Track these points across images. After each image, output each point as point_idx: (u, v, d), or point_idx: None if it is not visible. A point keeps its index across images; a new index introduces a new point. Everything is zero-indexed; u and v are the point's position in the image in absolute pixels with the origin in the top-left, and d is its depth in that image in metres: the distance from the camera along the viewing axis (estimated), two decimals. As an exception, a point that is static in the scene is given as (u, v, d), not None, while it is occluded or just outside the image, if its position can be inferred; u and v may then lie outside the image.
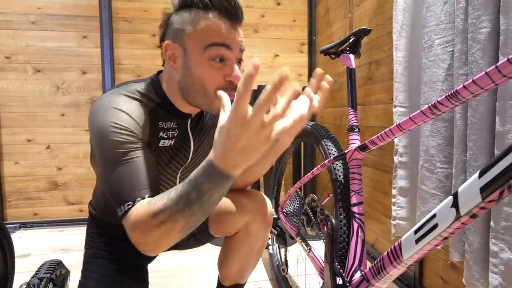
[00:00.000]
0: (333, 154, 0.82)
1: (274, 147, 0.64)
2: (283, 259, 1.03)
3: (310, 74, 2.16)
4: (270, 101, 0.40)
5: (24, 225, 1.85)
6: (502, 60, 0.41)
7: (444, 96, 0.50)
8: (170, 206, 0.48)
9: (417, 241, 0.50)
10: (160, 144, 0.67)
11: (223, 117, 0.46)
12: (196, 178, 0.47)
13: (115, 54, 1.91)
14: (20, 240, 1.69)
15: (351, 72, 0.85)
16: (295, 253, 1.40)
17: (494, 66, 0.42)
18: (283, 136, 0.44)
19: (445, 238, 0.48)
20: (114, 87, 0.65)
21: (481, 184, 0.40)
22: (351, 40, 0.86)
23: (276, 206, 1.27)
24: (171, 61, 0.61)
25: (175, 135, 0.69)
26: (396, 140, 1.07)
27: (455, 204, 0.44)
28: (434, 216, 0.47)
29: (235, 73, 0.58)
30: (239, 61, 0.61)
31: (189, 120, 0.70)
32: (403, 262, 0.53)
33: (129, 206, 0.52)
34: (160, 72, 0.68)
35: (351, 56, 0.87)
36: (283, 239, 1.04)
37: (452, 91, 0.49)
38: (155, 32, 1.95)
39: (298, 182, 0.92)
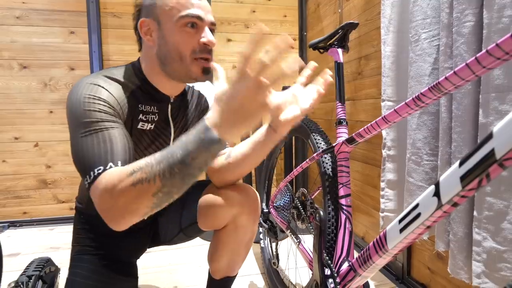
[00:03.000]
0: (322, 148, 0.83)
1: (273, 137, 0.66)
2: (274, 253, 1.04)
3: (300, 70, 2.16)
4: (274, 62, 0.42)
5: (13, 224, 1.82)
6: (482, 51, 0.42)
7: (427, 88, 0.51)
8: (151, 164, 0.46)
9: (401, 230, 0.51)
10: (139, 126, 0.68)
11: (218, 86, 0.49)
12: (185, 139, 0.47)
13: (104, 50, 1.88)
14: (9, 239, 1.66)
15: (339, 66, 0.85)
16: (286, 247, 1.41)
17: (474, 58, 0.43)
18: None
19: (428, 227, 0.49)
20: (95, 73, 0.67)
21: (461, 173, 0.41)
22: (339, 34, 0.86)
23: (267, 201, 1.27)
24: (148, 35, 0.65)
25: (155, 119, 0.70)
26: (384, 133, 1.08)
27: (436, 193, 0.45)
28: (417, 205, 0.48)
29: (208, 37, 0.62)
30: (213, 30, 0.66)
31: (169, 105, 0.72)
32: (388, 251, 0.54)
33: (99, 171, 0.49)
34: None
35: (339, 50, 0.88)
36: (274, 233, 1.05)
37: (435, 83, 0.50)
38: (144, 28, 1.93)
39: (288, 176, 0.93)
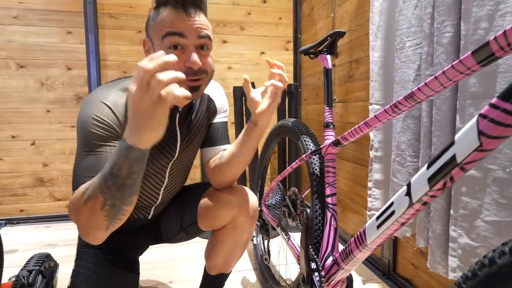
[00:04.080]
0: (311, 149, 0.88)
1: (255, 130, 0.71)
2: (266, 249, 1.08)
3: (295, 72, 2.21)
4: (157, 65, 0.44)
5: (10, 222, 1.84)
6: (448, 66, 0.47)
7: (403, 97, 0.56)
8: (93, 182, 0.52)
9: (378, 226, 0.56)
10: None
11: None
12: (114, 152, 0.51)
13: (101, 50, 1.90)
14: (7, 236, 1.68)
15: (327, 72, 0.90)
16: (277, 244, 1.46)
17: (441, 71, 0.48)
18: (170, 97, 0.45)
19: (403, 223, 0.54)
20: (110, 81, 0.70)
21: (429, 174, 0.46)
22: (328, 41, 0.91)
23: (260, 199, 1.32)
24: (147, 53, 0.68)
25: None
26: (371, 135, 1.13)
27: (408, 193, 0.50)
28: (392, 204, 0.53)
29: (192, 59, 0.62)
30: (202, 47, 0.66)
31: (177, 115, 0.75)
32: (367, 246, 0.59)
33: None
34: None
35: (328, 56, 0.92)
36: (266, 230, 1.09)
37: (409, 92, 0.54)
38: (141, 28, 1.95)
39: (279, 176, 0.98)
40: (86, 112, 0.61)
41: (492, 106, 0.38)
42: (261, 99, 0.71)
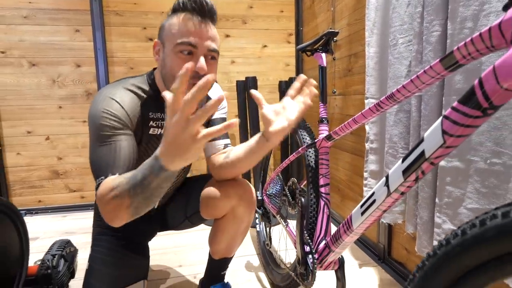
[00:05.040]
0: (307, 143, 0.94)
1: (265, 144, 0.71)
2: (267, 235, 1.16)
3: (297, 65, 2.25)
4: (195, 99, 0.45)
5: (30, 212, 1.97)
6: (421, 71, 0.52)
7: (384, 97, 0.61)
8: (122, 184, 0.56)
9: (362, 213, 0.62)
10: (150, 132, 0.78)
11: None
12: (145, 163, 0.54)
13: (108, 47, 1.97)
14: (28, 225, 1.78)
15: (322, 70, 0.95)
16: (278, 231, 1.54)
17: (415, 75, 0.53)
18: (206, 139, 0.48)
19: (384, 211, 0.61)
20: (116, 81, 0.76)
21: (403, 167, 0.52)
22: (322, 40, 0.95)
23: (262, 189, 1.39)
24: (157, 55, 0.73)
25: (164, 124, 0.79)
26: (367, 128, 1.18)
27: (387, 184, 0.56)
28: (373, 193, 0.60)
29: (199, 64, 0.66)
30: (211, 57, 0.70)
31: None
32: (354, 231, 0.66)
33: (101, 180, 0.61)
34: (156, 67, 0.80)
35: (323, 55, 0.97)
36: (267, 218, 1.17)
37: (390, 93, 0.60)
38: (146, 25, 2.01)
39: (278, 167, 1.04)
40: (96, 108, 0.67)
41: (454, 109, 0.43)
42: (275, 117, 0.65)
